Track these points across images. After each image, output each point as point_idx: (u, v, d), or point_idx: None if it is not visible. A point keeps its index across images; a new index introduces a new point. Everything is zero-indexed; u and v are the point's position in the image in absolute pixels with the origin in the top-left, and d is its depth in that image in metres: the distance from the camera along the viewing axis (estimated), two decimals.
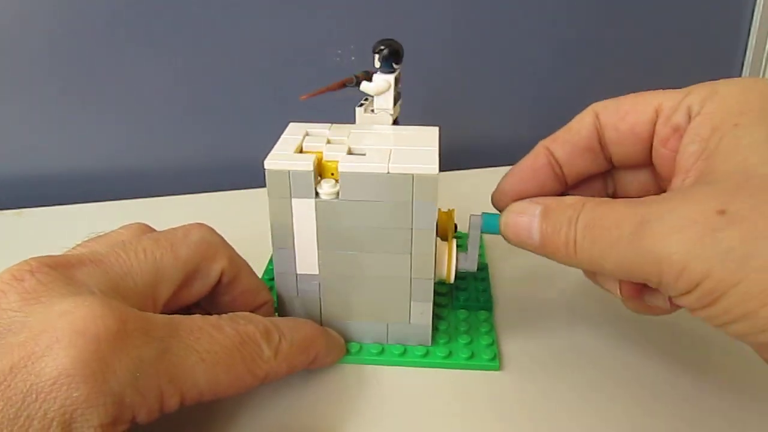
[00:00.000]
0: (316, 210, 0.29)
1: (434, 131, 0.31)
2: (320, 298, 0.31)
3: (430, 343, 0.31)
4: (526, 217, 0.26)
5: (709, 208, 0.20)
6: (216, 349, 0.24)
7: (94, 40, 0.48)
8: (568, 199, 0.25)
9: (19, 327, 0.21)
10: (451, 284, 0.33)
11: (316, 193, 0.28)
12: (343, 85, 0.32)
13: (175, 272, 0.26)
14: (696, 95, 0.24)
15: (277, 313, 0.32)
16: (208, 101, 0.52)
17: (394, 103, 0.33)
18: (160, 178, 0.53)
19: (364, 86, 0.32)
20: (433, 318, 0.31)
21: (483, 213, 0.30)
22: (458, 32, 0.54)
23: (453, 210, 0.34)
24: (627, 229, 0.22)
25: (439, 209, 0.35)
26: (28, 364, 0.20)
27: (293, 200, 0.29)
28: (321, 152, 0.29)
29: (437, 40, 0.54)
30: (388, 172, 0.27)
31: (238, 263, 0.29)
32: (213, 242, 0.28)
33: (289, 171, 0.28)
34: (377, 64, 0.32)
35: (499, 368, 0.30)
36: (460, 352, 0.31)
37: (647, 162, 0.27)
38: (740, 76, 0.60)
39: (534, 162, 0.29)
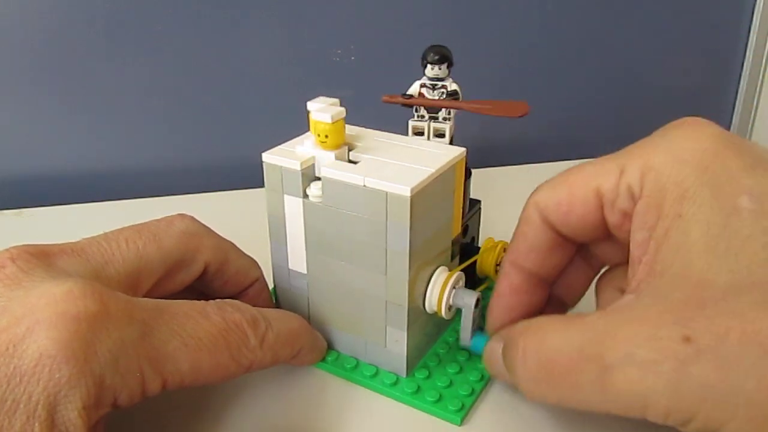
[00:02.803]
0: (303, 210, 0.29)
1: (453, 152, 0.29)
2: (308, 298, 0.31)
3: (404, 374, 0.29)
4: (495, 362, 0.25)
5: (672, 335, 0.19)
6: (200, 335, 0.23)
7: (94, 40, 0.48)
8: (515, 328, 0.24)
9: (1, 311, 0.21)
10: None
11: (306, 194, 0.28)
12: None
13: (158, 262, 0.26)
14: (632, 173, 0.23)
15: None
16: (208, 101, 0.52)
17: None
18: (160, 178, 0.53)
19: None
20: (424, 350, 0.31)
21: (478, 332, 0.29)
22: (462, 31, 0.54)
23: (501, 243, 0.32)
24: (589, 375, 0.20)
25: (491, 238, 0.34)
26: (10, 348, 0.20)
27: (285, 196, 0.29)
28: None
29: (441, 39, 0.53)
30: (364, 186, 0.26)
31: (224, 250, 0.29)
32: (197, 233, 0.28)
33: (281, 167, 0.28)
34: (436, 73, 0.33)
35: (460, 423, 0.28)
36: (428, 392, 0.28)
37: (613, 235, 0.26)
38: (740, 76, 0.60)
39: (510, 285, 0.27)
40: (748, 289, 0.19)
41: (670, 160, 0.22)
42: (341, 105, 0.28)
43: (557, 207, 0.25)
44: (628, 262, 0.25)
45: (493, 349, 0.26)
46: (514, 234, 0.27)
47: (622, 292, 0.26)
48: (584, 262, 0.28)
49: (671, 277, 0.21)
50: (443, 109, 0.33)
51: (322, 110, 0.27)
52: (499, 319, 0.27)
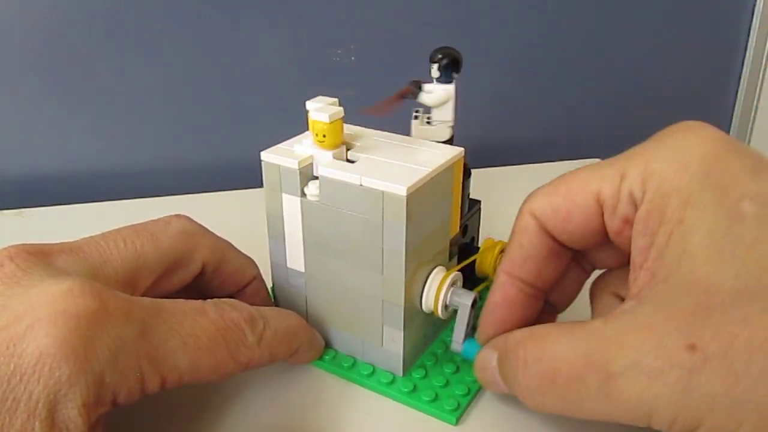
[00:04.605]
0: (301, 208, 0.29)
1: (451, 152, 0.29)
2: (306, 297, 0.31)
3: (401, 373, 0.29)
4: (489, 372, 0.25)
5: (677, 344, 0.19)
6: (198, 333, 0.24)
7: (94, 39, 0.48)
8: (513, 337, 0.24)
9: (0, 310, 0.21)
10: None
11: (304, 193, 0.28)
12: (403, 96, 0.30)
13: (156, 261, 0.26)
14: (633, 179, 0.22)
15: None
16: (208, 101, 0.52)
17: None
18: (160, 178, 0.53)
19: (422, 97, 0.31)
20: (421, 349, 0.31)
21: (470, 338, 0.28)
22: (462, 31, 0.54)
23: (500, 243, 0.32)
24: (593, 384, 0.20)
25: (491, 238, 0.34)
26: (10, 346, 0.20)
27: (283, 195, 0.29)
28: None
29: (441, 40, 0.54)
30: (361, 185, 0.26)
31: (220, 249, 0.29)
32: (194, 232, 0.28)
33: (279, 166, 0.28)
34: (435, 74, 0.31)
35: (455, 423, 0.28)
36: (424, 392, 0.28)
37: (610, 241, 0.25)
38: (740, 76, 0.60)
39: (505, 296, 0.26)
40: (756, 295, 0.19)
41: (672, 165, 0.21)
42: (340, 105, 0.28)
43: (555, 213, 0.24)
44: (621, 266, 0.25)
45: (486, 359, 0.25)
46: (509, 243, 0.26)
47: (618, 297, 0.25)
48: (576, 266, 0.28)
49: (675, 283, 0.20)
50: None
51: (321, 110, 0.27)
52: (492, 329, 0.27)
